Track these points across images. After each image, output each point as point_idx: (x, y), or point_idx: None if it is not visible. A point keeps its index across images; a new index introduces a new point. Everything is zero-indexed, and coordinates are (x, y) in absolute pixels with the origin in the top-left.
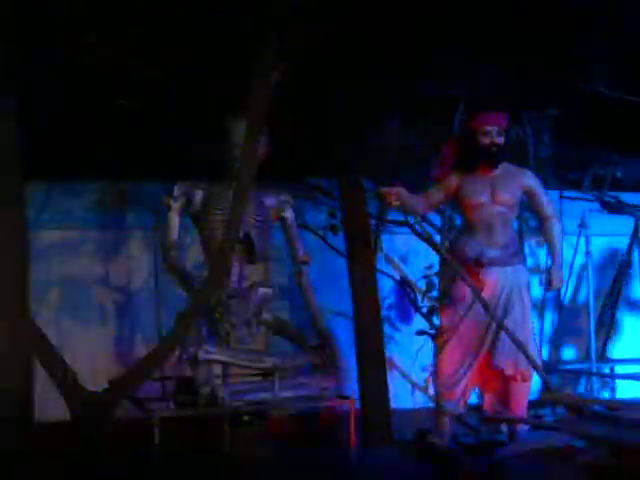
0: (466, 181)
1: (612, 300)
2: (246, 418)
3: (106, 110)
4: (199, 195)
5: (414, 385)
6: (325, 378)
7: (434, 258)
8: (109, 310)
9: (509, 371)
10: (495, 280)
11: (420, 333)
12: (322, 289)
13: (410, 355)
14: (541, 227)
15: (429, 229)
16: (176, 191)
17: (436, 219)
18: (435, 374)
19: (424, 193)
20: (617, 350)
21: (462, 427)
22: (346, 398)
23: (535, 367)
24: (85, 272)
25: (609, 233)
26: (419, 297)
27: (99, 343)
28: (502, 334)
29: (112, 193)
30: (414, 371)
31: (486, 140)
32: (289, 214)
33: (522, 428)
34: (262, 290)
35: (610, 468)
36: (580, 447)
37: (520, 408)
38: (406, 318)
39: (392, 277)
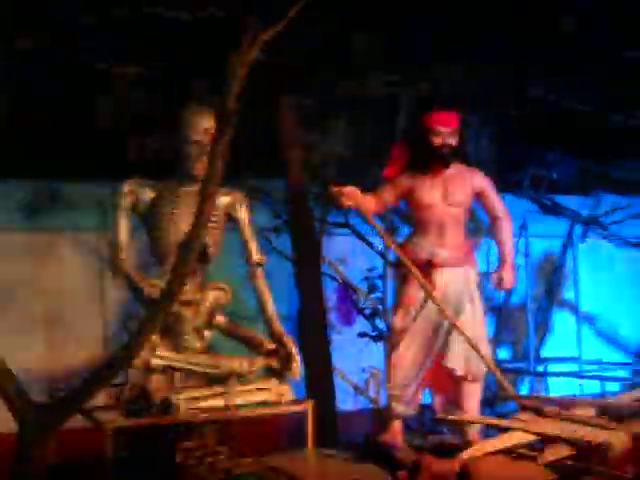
0: (418, 181)
1: (547, 301)
2: (196, 428)
3: (34, 105)
4: (148, 193)
5: (355, 388)
6: (283, 383)
7: (375, 260)
8: (41, 316)
9: (460, 372)
10: (446, 281)
11: (362, 335)
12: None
13: (351, 358)
14: (492, 227)
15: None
16: (124, 188)
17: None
18: (387, 376)
19: (375, 193)
20: (551, 349)
21: (414, 429)
22: (304, 403)
23: (490, 367)
24: (14, 275)
25: (547, 235)
26: (361, 299)
27: (32, 350)
28: (453, 335)
29: (40, 193)
30: (355, 373)
31: (438, 140)
32: (244, 214)
33: (473, 428)
34: (215, 293)
35: (572, 467)
36: (540, 447)
37: (471, 408)
38: (348, 320)
39: (334, 279)
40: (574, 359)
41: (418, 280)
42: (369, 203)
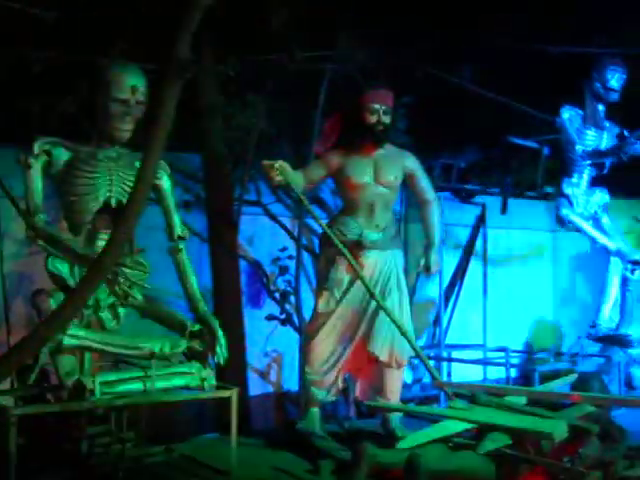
0: (349, 159)
1: (453, 288)
2: (101, 411)
3: None
4: (63, 155)
5: (258, 372)
6: (206, 367)
7: (286, 241)
8: None
9: (384, 358)
10: (374, 264)
11: (270, 318)
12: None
13: (258, 341)
14: (421, 211)
15: (279, 211)
16: (36, 148)
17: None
18: (306, 361)
19: (305, 170)
20: (456, 336)
21: (333, 415)
22: (229, 388)
23: (418, 354)
24: None
25: (458, 223)
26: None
27: None
28: (378, 320)
29: None
30: (260, 357)
31: (372, 119)
32: (166, 182)
33: (396, 415)
34: (132, 268)
35: (512, 456)
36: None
37: (394, 394)
38: (257, 302)
39: (242, 259)
40: (479, 346)
41: (348, 260)
42: (299, 179)
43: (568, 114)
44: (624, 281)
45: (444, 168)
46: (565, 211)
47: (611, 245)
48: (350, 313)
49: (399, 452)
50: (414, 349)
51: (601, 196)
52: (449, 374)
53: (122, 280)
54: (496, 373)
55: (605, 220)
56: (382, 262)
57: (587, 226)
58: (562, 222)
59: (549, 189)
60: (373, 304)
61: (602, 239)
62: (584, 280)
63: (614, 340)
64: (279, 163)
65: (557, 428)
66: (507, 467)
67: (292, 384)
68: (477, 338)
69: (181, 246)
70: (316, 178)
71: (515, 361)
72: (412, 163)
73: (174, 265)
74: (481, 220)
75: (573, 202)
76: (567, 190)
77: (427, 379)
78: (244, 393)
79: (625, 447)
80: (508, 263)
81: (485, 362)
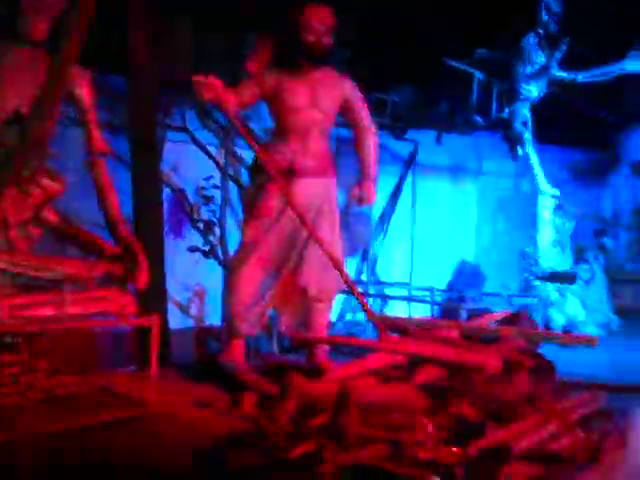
0: (284, 80)
1: (381, 226)
2: (9, 338)
3: None
4: None
5: (179, 306)
6: (125, 293)
7: (212, 170)
8: None
9: (313, 291)
10: (307, 192)
11: (193, 249)
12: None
13: (178, 273)
14: (356, 139)
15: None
16: None
17: None
18: (231, 293)
19: (236, 89)
20: (380, 274)
21: (257, 350)
22: (151, 315)
23: (350, 287)
24: None
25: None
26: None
27: None
28: (308, 252)
29: None
30: (182, 290)
31: (311, 37)
32: (85, 91)
33: (322, 349)
34: (46, 182)
35: (444, 389)
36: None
37: (322, 329)
38: (179, 232)
39: (167, 187)
40: (404, 284)
41: (280, 186)
42: (231, 99)
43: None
44: (554, 212)
45: (377, 103)
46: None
47: (543, 184)
48: (279, 244)
49: (328, 385)
50: (347, 282)
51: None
52: (381, 310)
53: (34, 195)
54: (421, 312)
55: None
56: (315, 191)
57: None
58: (517, 147)
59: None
60: (303, 235)
61: (540, 177)
62: (508, 223)
63: (558, 277)
64: (210, 79)
65: (491, 361)
66: (440, 399)
67: (215, 319)
68: (400, 277)
69: (100, 160)
70: (249, 98)
71: (439, 300)
72: (351, 89)
73: (93, 183)
74: (412, 158)
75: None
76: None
77: (350, 316)
78: (164, 325)
79: (555, 381)
80: (435, 203)
81: (413, 299)
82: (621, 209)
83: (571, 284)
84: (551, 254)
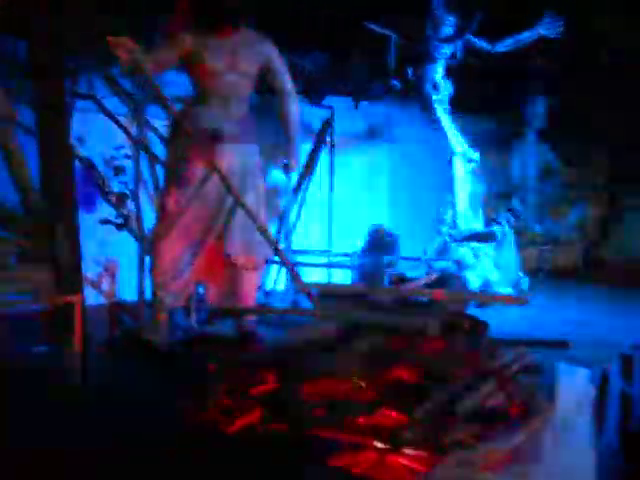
0: (202, 42)
1: (297, 194)
2: None
3: None
4: None
5: (90, 282)
6: (42, 270)
7: (121, 139)
8: None
9: (240, 260)
10: (229, 158)
11: (105, 222)
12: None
13: (90, 248)
14: (278, 103)
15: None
16: None
17: None
18: (153, 265)
19: (151, 50)
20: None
21: (181, 323)
22: (73, 293)
23: (279, 254)
24: None
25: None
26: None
27: None
28: (234, 220)
29: None
30: (91, 265)
31: None
32: None
33: (250, 320)
34: None
35: (383, 353)
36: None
37: (250, 298)
38: (89, 206)
39: (75, 159)
40: (324, 252)
41: (202, 153)
42: (147, 61)
43: None
44: (468, 176)
45: (291, 68)
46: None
47: (458, 147)
48: (202, 213)
49: (262, 356)
50: (275, 249)
51: None
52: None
53: None
54: (341, 279)
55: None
56: (238, 157)
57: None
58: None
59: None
60: (228, 203)
61: (454, 140)
62: (422, 188)
63: (477, 237)
64: (125, 39)
65: (430, 323)
66: (378, 364)
67: (130, 294)
68: (318, 246)
69: (9, 130)
70: (165, 61)
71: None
72: (271, 50)
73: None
74: (328, 124)
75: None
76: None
77: (269, 286)
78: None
79: (487, 340)
80: (351, 170)
81: (337, 265)
82: (528, 173)
83: (490, 242)
84: (467, 217)
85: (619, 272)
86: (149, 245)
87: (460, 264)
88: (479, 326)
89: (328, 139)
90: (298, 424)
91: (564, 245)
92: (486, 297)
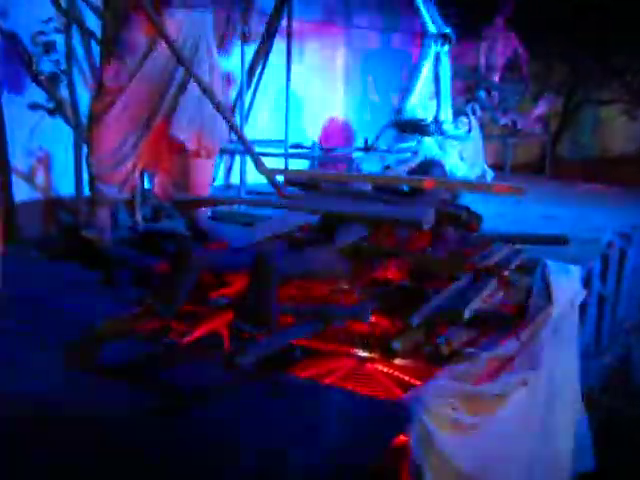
0: None
1: (250, 81)
2: None
3: None
4: None
5: (24, 175)
6: None
7: (50, 11)
8: None
9: (191, 145)
10: (180, 25)
11: (35, 107)
12: None
13: (18, 136)
14: None
15: None
16: None
17: None
18: (91, 151)
19: None
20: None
21: (128, 216)
22: None
23: (239, 136)
24: None
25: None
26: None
27: None
28: (184, 97)
29: None
30: (22, 156)
31: None
32: None
33: (203, 212)
34: None
35: (368, 249)
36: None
37: (203, 189)
38: (16, 87)
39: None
40: (280, 142)
41: (148, 18)
42: None
43: None
44: (436, 61)
45: None
46: None
47: (430, 25)
48: (148, 88)
49: (229, 253)
50: (235, 131)
51: None
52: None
53: None
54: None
55: None
56: (190, 24)
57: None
58: None
59: None
60: (177, 77)
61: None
62: (378, 78)
63: (414, 126)
64: None
65: (425, 214)
66: (362, 261)
67: (66, 188)
68: (272, 136)
69: None
70: None
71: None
72: None
73: None
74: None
75: None
76: None
77: (220, 180)
78: (9, 199)
79: (482, 236)
80: (306, 58)
81: (298, 156)
82: (494, 63)
83: (427, 135)
84: (430, 106)
85: (575, 168)
86: (87, 127)
87: (425, 156)
88: (474, 219)
89: (284, 23)
90: (268, 332)
91: (526, 139)
92: (481, 186)
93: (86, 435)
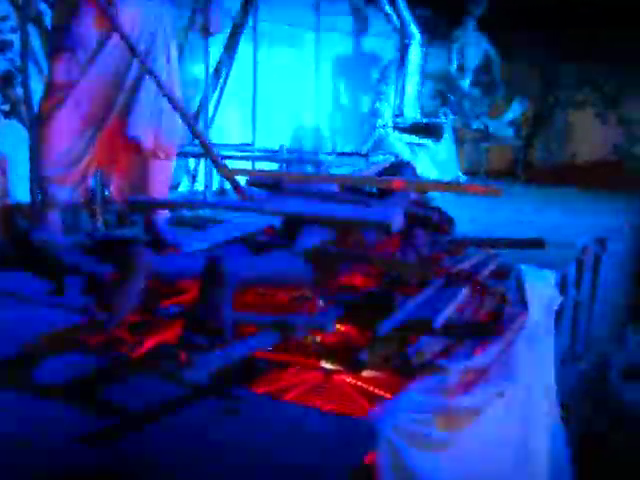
0: None
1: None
2: None
3: None
4: None
5: None
6: None
7: (6, 8)
8: None
9: (148, 145)
10: (135, 17)
11: None
12: None
13: None
14: None
15: None
16: None
17: None
18: (41, 152)
19: None
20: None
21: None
22: None
23: (197, 135)
24: None
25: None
26: None
27: None
28: (139, 94)
29: None
30: None
31: None
32: None
33: (162, 216)
34: None
35: (333, 253)
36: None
37: (161, 193)
38: None
39: None
40: (246, 145)
41: (101, 8)
42: None
43: None
44: (404, 59)
45: None
46: None
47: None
48: (101, 84)
49: (181, 258)
50: (192, 130)
51: None
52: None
53: None
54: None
55: None
56: (146, 16)
57: None
58: None
59: None
60: (132, 73)
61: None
62: (349, 82)
63: (424, 129)
64: None
65: (394, 216)
66: (327, 266)
67: (22, 194)
68: (236, 139)
69: None
70: None
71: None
72: None
73: None
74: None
75: None
76: None
77: (185, 187)
78: None
79: (454, 239)
80: (274, 62)
81: (265, 158)
82: (467, 66)
83: (434, 137)
84: (408, 108)
85: (546, 172)
86: (37, 127)
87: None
88: (446, 221)
89: (251, 23)
90: (223, 343)
91: (499, 144)
92: (456, 187)
93: (15, 465)
